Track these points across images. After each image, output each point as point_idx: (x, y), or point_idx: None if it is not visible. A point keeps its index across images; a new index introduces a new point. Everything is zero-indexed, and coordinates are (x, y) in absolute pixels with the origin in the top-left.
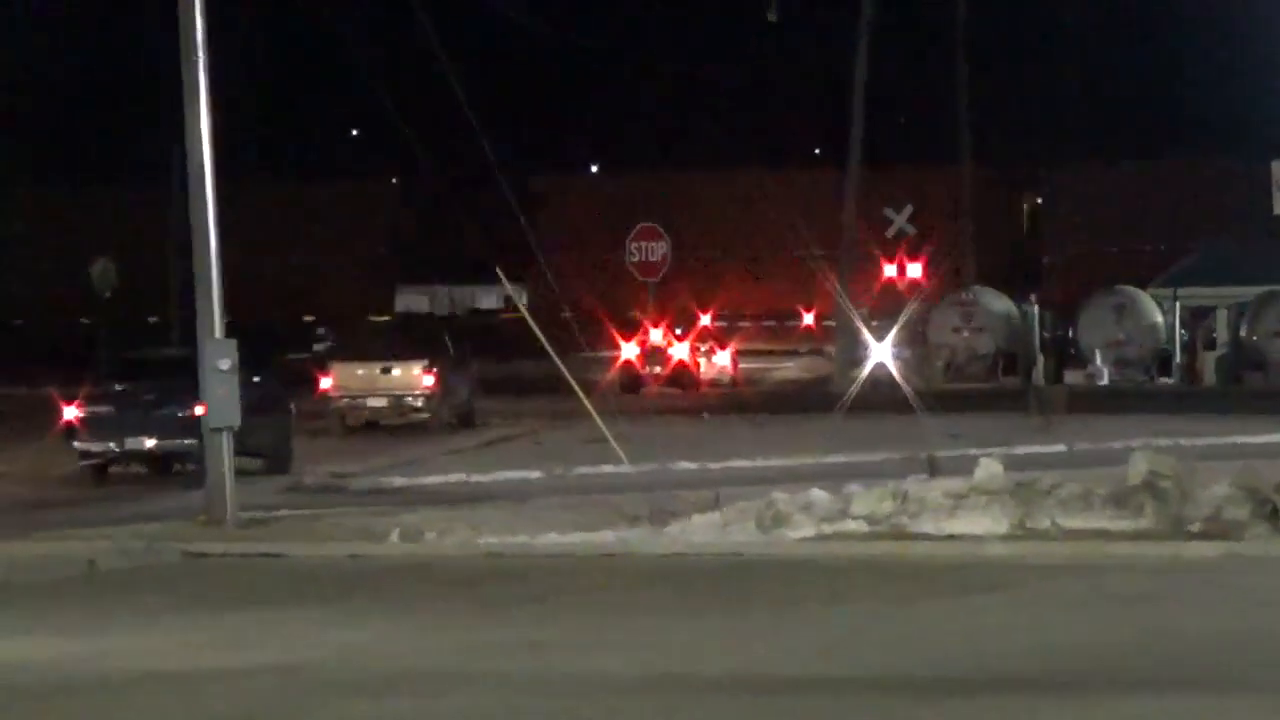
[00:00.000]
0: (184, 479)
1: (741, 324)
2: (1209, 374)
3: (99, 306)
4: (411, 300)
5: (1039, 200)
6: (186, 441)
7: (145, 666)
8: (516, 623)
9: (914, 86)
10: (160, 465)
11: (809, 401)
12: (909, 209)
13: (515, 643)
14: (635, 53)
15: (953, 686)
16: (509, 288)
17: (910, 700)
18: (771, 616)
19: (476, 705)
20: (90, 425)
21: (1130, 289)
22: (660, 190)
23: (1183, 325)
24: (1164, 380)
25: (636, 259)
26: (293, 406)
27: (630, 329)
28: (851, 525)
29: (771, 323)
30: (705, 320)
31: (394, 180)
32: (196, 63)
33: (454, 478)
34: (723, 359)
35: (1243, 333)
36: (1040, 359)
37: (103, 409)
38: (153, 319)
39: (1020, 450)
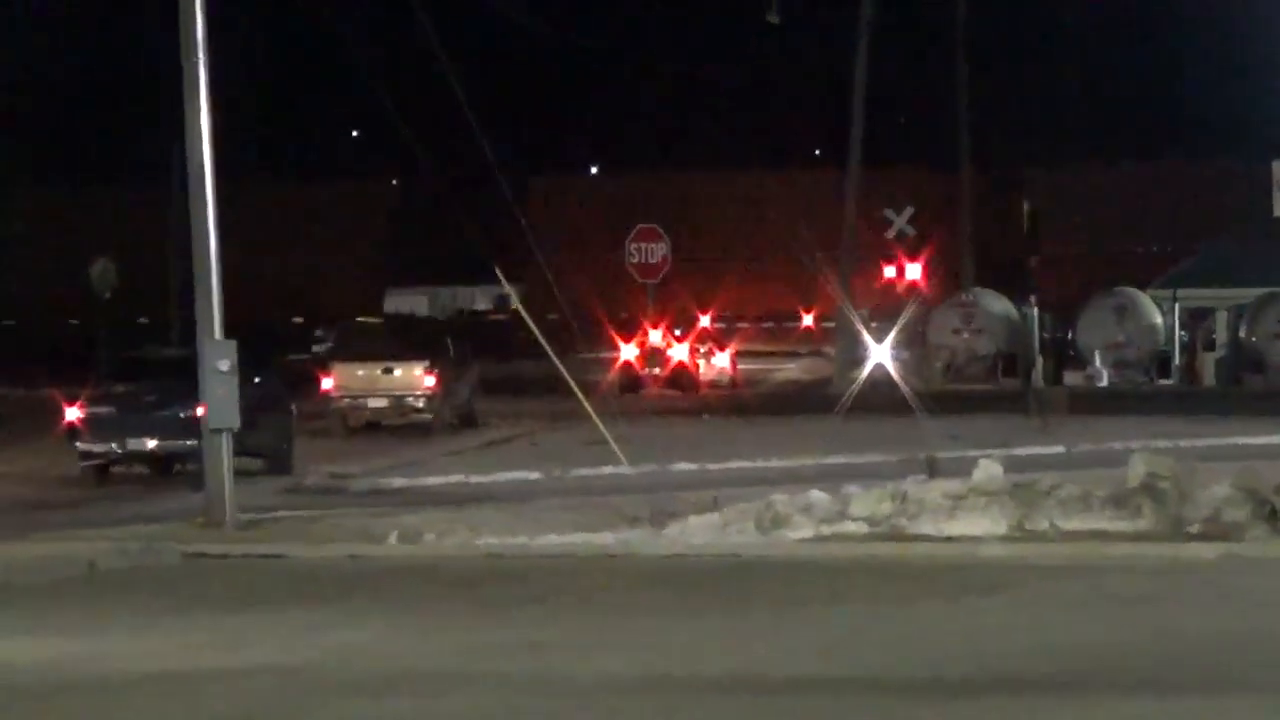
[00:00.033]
0: (186, 479)
1: (741, 325)
2: (1208, 375)
3: (99, 307)
4: (399, 301)
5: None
6: (188, 442)
7: (145, 667)
8: (516, 623)
9: (914, 87)
10: (162, 466)
11: (808, 403)
12: (909, 210)
13: (515, 643)
14: (635, 53)
15: (952, 687)
16: (508, 288)
17: (910, 701)
18: (771, 617)
19: (476, 706)
20: (92, 426)
21: (1130, 290)
22: (660, 191)
23: (1182, 327)
24: (1163, 382)
25: (636, 260)
26: (294, 407)
27: (623, 330)
28: (851, 526)
29: (771, 324)
30: (705, 321)
31: (394, 181)
32: (197, 63)
33: (454, 479)
34: (722, 360)
35: (1242, 334)
36: (1040, 360)
37: (104, 410)
38: (143, 320)
39: (1019, 451)
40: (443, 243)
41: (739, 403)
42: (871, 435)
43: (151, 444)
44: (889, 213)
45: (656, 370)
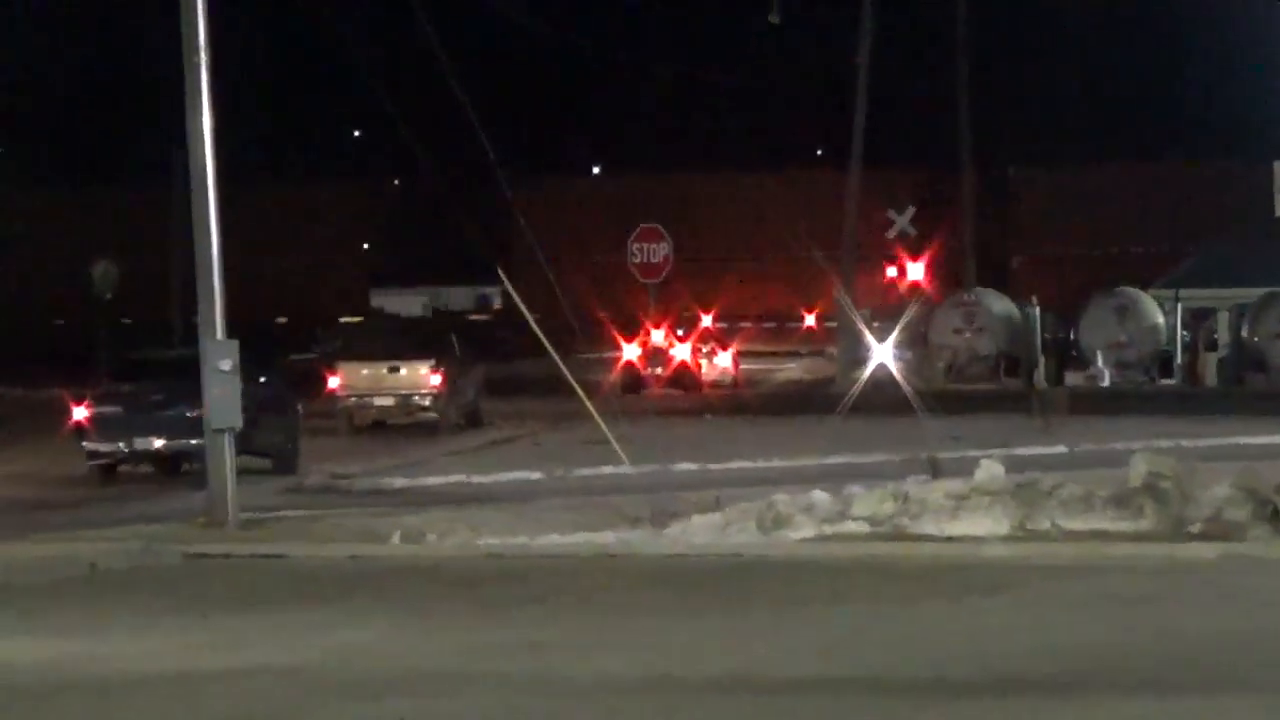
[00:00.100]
0: (189, 479)
1: (743, 325)
2: (1210, 375)
3: (99, 307)
4: (383, 302)
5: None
6: (194, 442)
7: (146, 667)
8: (517, 623)
9: (914, 87)
10: (169, 466)
11: (810, 403)
12: (910, 210)
13: (516, 643)
14: (636, 54)
15: (954, 687)
16: (509, 287)
17: (912, 701)
18: (772, 617)
19: (477, 706)
20: (99, 425)
21: (1132, 290)
22: (661, 191)
23: (1184, 327)
24: (1165, 382)
25: (638, 260)
26: (299, 407)
27: (624, 329)
28: (852, 526)
29: (773, 324)
30: (707, 321)
31: (396, 181)
32: (198, 64)
33: (455, 479)
34: (724, 360)
35: (1244, 334)
36: (1041, 360)
37: (111, 409)
38: (126, 320)
39: (1021, 451)
40: (432, 243)
41: (741, 403)
42: (873, 435)
43: (158, 444)
44: (890, 213)
45: (659, 370)
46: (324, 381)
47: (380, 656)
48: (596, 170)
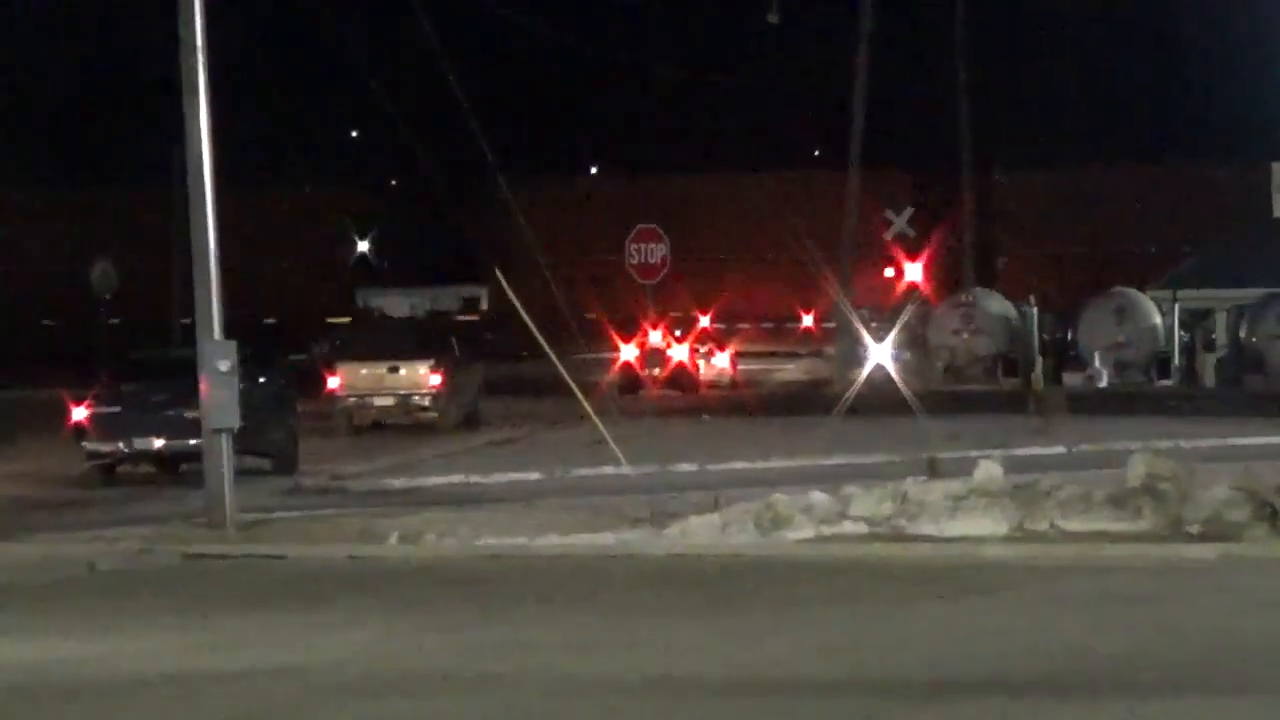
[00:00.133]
0: (191, 479)
1: (741, 325)
2: (1209, 376)
3: (98, 307)
4: (368, 301)
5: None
6: (193, 442)
7: (145, 668)
8: (517, 624)
9: (914, 88)
10: (169, 466)
11: (809, 403)
12: (909, 211)
13: (515, 643)
14: (635, 54)
15: (953, 688)
16: (506, 289)
17: (910, 702)
18: (771, 618)
19: (477, 706)
20: (99, 425)
21: (1130, 291)
22: (659, 192)
23: (1182, 327)
24: (1163, 382)
25: (636, 261)
26: (299, 407)
27: (621, 329)
28: (851, 527)
29: (771, 324)
30: (704, 322)
31: (394, 182)
32: (196, 65)
33: (454, 479)
34: (722, 361)
35: (1242, 335)
36: (1040, 361)
37: (111, 409)
38: (113, 321)
39: (1019, 452)
40: (420, 244)
41: (739, 403)
42: (872, 436)
43: (158, 444)
44: (889, 213)
45: (656, 371)
46: (321, 382)
47: (379, 656)
48: (594, 170)
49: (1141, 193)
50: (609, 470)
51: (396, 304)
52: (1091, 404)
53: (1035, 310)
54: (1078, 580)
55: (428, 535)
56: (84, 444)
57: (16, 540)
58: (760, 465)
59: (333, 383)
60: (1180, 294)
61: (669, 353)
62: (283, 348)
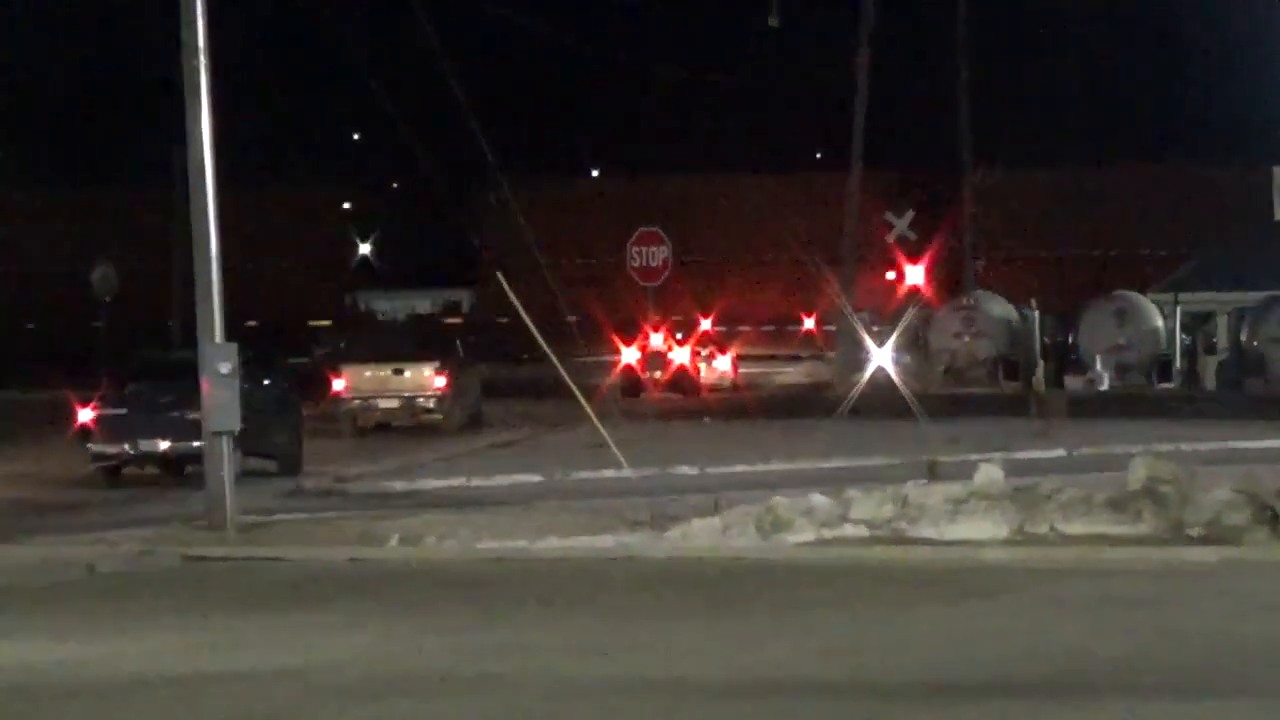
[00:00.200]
0: (194, 481)
1: (742, 328)
2: (1209, 379)
3: (99, 308)
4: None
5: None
6: (198, 444)
7: (145, 670)
8: (517, 626)
9: (915, 88)
10: (174, 468)
11: (809, 406)
12: (910, 214)
13: (516, 646)
14: (636, 55)
15: (953, 691)
16: (507, 289)
17: (911, 704)
18: (772, 620)
19: (476, 707)
20: (104, 427)
21: (1131, 294)
22: (661, 194)
23: (1183, 330)
24: (1164, 385)
25: (637, 264)
26: (303, 408)
27: (620, 331)
28: (851, 530)
29: (772, 327)
30: (706, 325)
31: (395, 185)
32: (197, 66)
33: (454, 482)
34: (723, 364)
35: (1243, 338)
36: (1040, 364)
37: (117, 411)
38: (98, 324)
39: (1020, 455)
40: (408, 246)
41: (740, 406)
42: (872, 439)
43: (163, 445)
44: (890, 215)
45: (657, 374)
46: (320, 385)
47: (380, 658)
48: (595, 173)
49: (1142, 192)
50: (610, 473)
51: (379, 306)
52: (1092, 407)
53: (1036, 313)
54: (1078, 583)
55: (428, 538)
56: (89, 446)
57: (16, 542)
58: (761, 468)
59: (338, 385)
60: (1181, 297)
61: (670, 356)
62: (282, 349)
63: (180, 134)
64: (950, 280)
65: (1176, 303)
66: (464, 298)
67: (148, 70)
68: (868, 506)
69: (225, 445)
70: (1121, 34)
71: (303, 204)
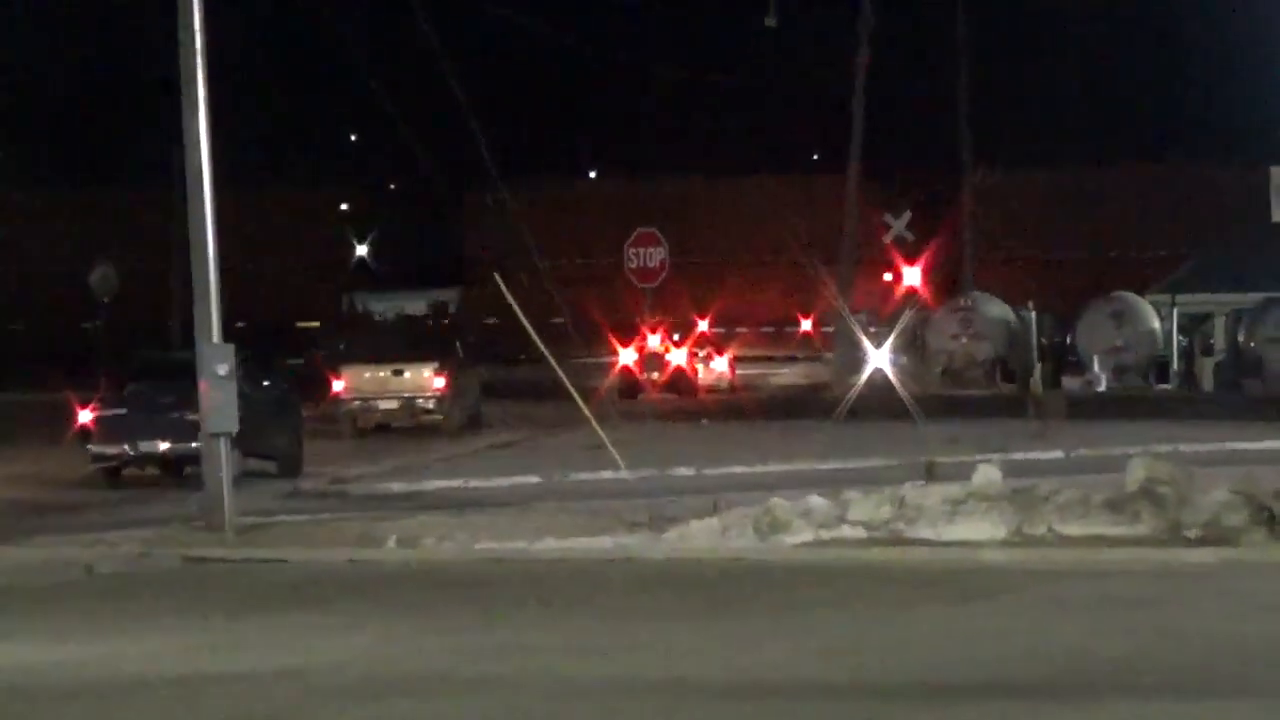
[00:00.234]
0: (195, 482)
1: (739, 330)
2: (1207, 380)
3: (97, 310)
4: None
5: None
6: (197, 445)
7: (145, 671)
8: (516, 627)
9: (914, 88)
10: (174, 468)
11: (807, 407)
12: (907, 215)
13: (514, 647)
14: (635, 56)
15: (952, 692)
16: (505, 292)
17: (909, 705)
18: (770, 621)
19: (476, 708)
20: (105, 428)
21: (1128, 295)
22: (659, 195)
23: (1181, 332)
24: (1162, 387)
25: (634, 265)
26: (303, 409)
27: (601, 334)
28: (849, 531)
29: (770, 329)
30: (703, 326)
31: (392, 186)
32: (195, 67)
33: (453, 483)
34: (721, 365)
35: (1241, 339)
36: (1038, 365)
37: (117, 412)
38: (86, 325)
39: (1018, 456)
40: (423, 246)
41: (737, 407)
42: (870, 440)
43: (163, 446)
44: (888, 217)
45: (655, 375)
46: (318, 386)
47: (379, 659)
48: (594, 174)
49: (1142, 192)
50: (608, 474)
51: (374, 309)
52: (1090, 408)
53: (1034, 314)
54: (1076, 584)
55: (427, 539)
56: (90, 446)
57: (15, 543)
58: (759, 469)
59: (338, 386)
60: (1179, 298)
61: (668, 357)
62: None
63: (180, 134)
64: (948, 281)
65: (1174, 304)
66: (450, 298)
67: (148, 70)
68: (866, 508)
69: (223, 446)
70: (1121, 34)
71: (301, 204)
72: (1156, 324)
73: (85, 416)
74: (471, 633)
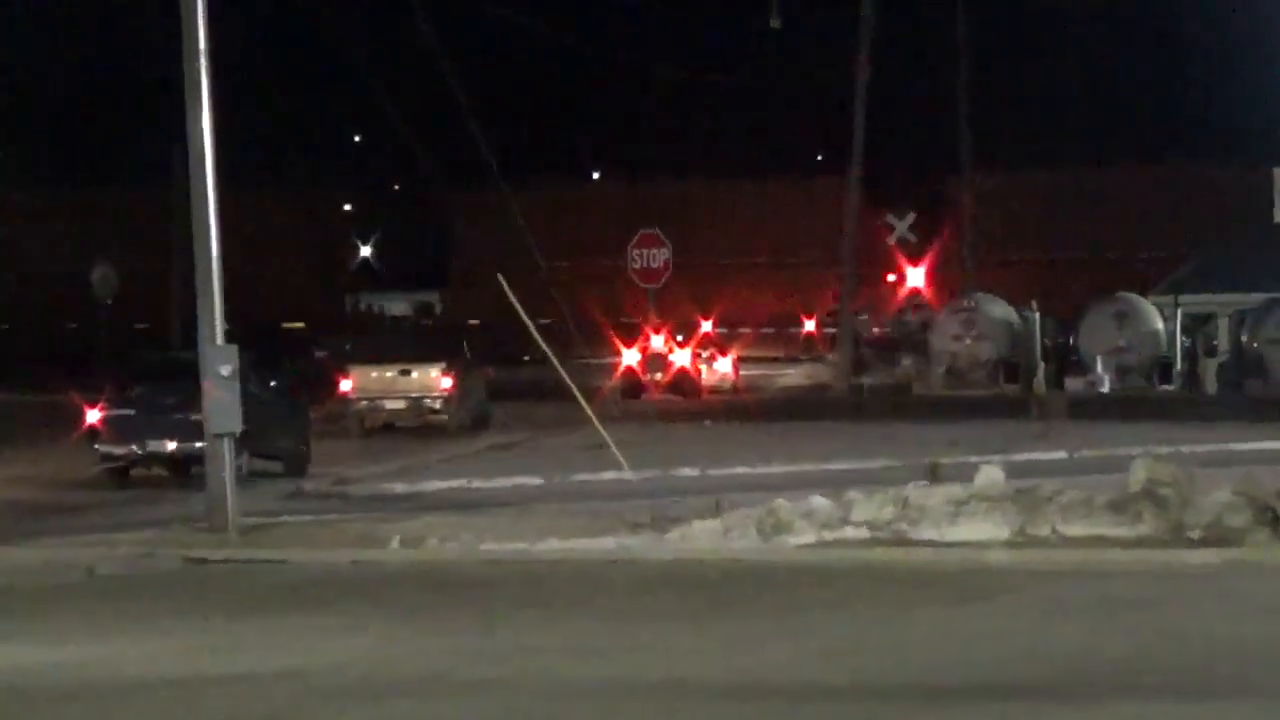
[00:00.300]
0: (198, 483)
1: (743, 330)
2: (1210, 381)
3: (98, 309)
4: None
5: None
6: (202, 445)
7: (146, 672)
8: (517, 628)
9: (915, 88)
10: (181, 468)
11: (810, 408)
12: (911, 216)
13: (515, 648)
14: (637, 57)
15: (954, 692)
16: (508, 292)
17: (911, 706)
18: (772, 622)
19: (477, 709)
20: (112, 428)
21: (1131, 296)
22: (661, 196)
23: (1184, 332)
24: (1165, 387)
25: (638, 266)
26: (309, 410)
27: (605, 335)
28: (852, 532)
29: (773, 329)
30: (706, 327)
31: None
32: (199, 67)
33: (455, 483)
34: (724, 366)
35: (1244, 340)
36: (1041, 366)
37: (124, 412)
38: (73, 326)
39: (1021, 457)
40: (423, 246)
41: (741, 408)
42: (873, 440)
43: (170, 446)
44: (890, 218)
45: (658, 376)
46: (321, 386)
47: (380, 660)
48: (596, 175)
49: (1142, 193)
50: (610, 475)
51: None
52: (1093, 409)
53: (1037, 315)
54: (1079, 585)
55: (429, 540)
56: (97, 446)
57: (16, 544)
58: (762, 470)
59: (345, 385)
60: (1181, 299)
61: (671, 358)
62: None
63: (180, 134)
64: (951, 282)
65: (1177, 305)
66: (435, 299)
67: (148, 70)
68: (869, 508)
69: (226, 447)
70: (1121, 34)
71: (303, 204)
72: (1159, 325)
73: (93, 416)
74: (472, 634)
